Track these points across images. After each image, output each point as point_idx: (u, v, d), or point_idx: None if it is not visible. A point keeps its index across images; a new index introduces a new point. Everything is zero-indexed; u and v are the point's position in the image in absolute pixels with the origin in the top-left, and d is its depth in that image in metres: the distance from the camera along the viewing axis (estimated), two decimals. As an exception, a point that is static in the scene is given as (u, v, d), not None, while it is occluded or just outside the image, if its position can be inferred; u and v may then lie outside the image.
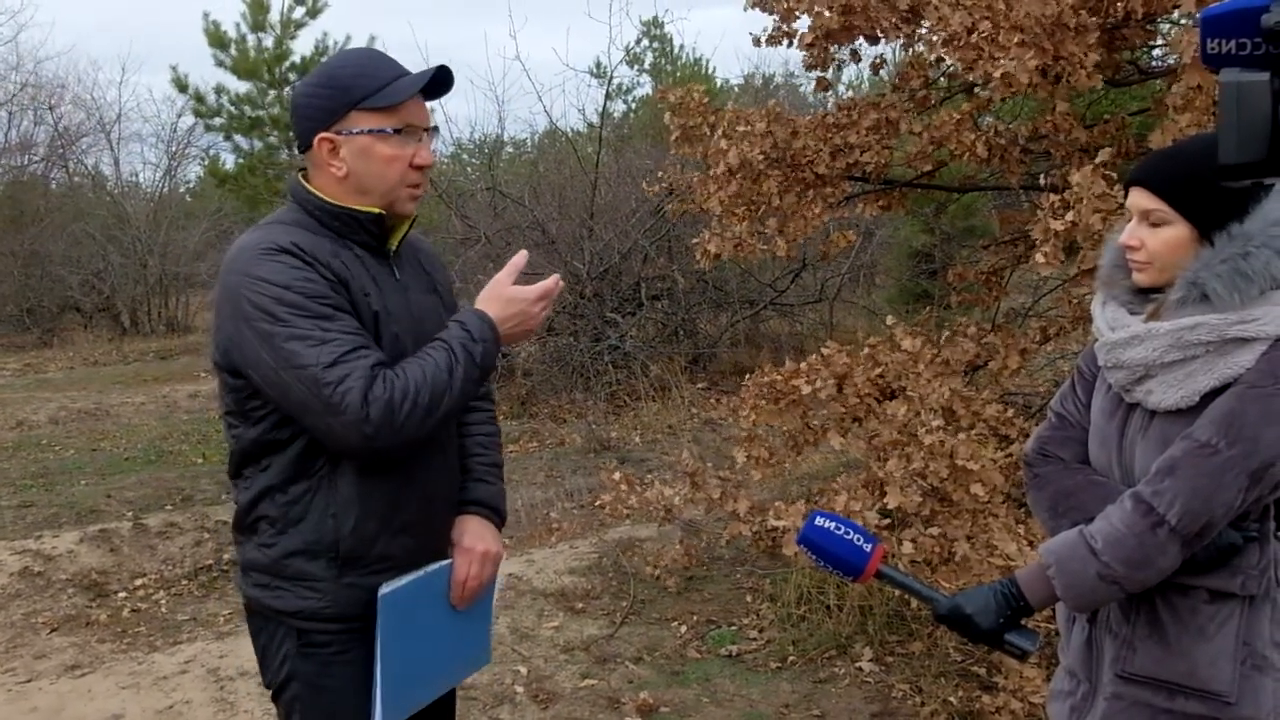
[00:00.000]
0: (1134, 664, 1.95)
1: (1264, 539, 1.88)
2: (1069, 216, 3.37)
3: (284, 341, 1.90)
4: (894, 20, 4.36)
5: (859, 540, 2.06)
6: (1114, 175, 3.38)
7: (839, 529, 2.07)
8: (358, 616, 2.07)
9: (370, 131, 2.03)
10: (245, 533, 2.14)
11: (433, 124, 2.16)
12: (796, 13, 4.64)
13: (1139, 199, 1.93)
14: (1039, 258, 3.53)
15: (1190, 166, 1.88)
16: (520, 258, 2.17)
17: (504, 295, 2.10)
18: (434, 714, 2.33)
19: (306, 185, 2.10)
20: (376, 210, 2.08)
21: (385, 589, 2.05)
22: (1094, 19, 3.52)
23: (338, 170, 2.05)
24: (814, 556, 2.10)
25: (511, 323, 2.10)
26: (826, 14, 4.45)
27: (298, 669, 2.11)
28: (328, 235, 2.06)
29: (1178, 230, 1.88)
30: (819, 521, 2.08)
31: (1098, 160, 3.42)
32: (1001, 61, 3.51)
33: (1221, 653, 1.87)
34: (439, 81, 2.09)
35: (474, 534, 2.25)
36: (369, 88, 2.02)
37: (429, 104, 2.16)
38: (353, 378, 1.88)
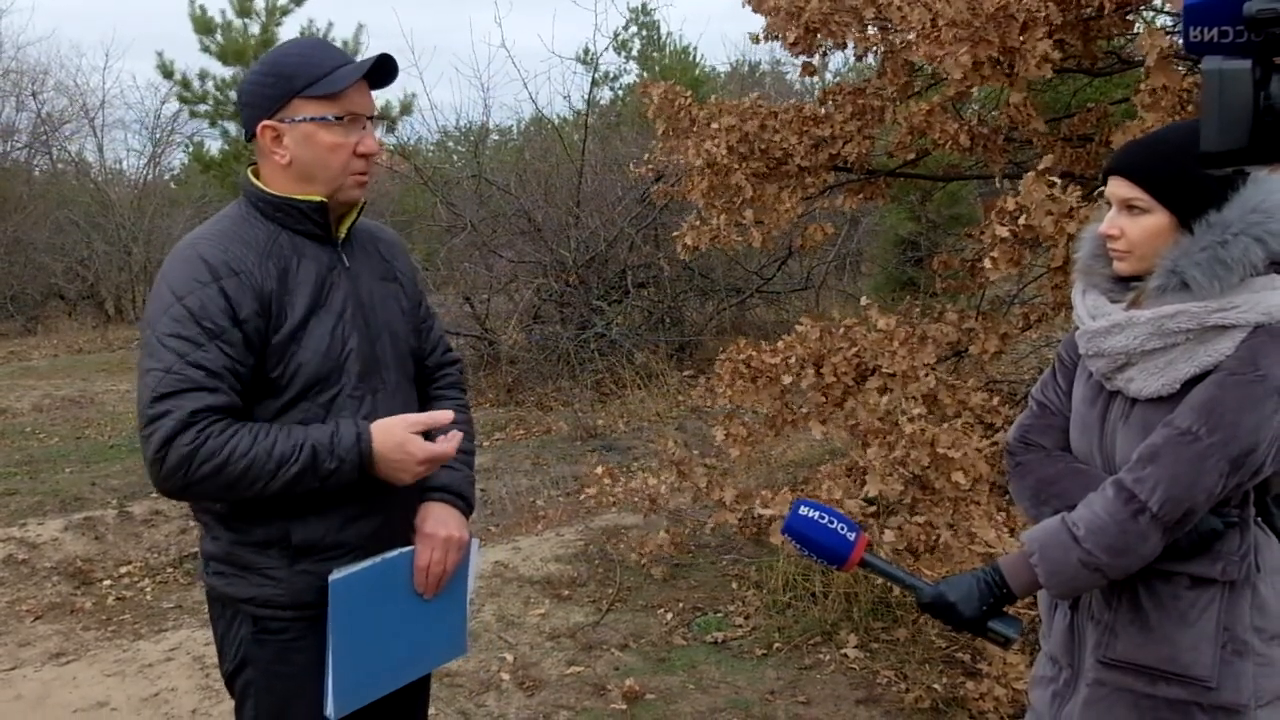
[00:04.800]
0: (1116, 649, 1.96)
1: (1244, 525, 1.89)
2: (1022, 220, 3.40)
3: (147, 352, 1.97)
4: (858, 31, 4.38)
5: (843, 529, 2.07)
6: (1056, 180, 3.40)
7: (823, 518, 2.07)
8: (312, 604, 2.08)
9: (312, 119, 2.05)
10: (200, 525, 2.18)
11: (377, 112, 2.17)
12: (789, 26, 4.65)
13: (1118, 188, 1.93)
14: (987, 263, 3.56)
15: (1169, 154, 1.88)
16: (445, 415, 2.13)
17: (398, 438, 2.04)
18: (405, 702, 2.32)
19: (252, 179, 2.13)
20: (318, 199, 2.09)
21: (336, 574, 2.06)
22: (1055, 9, 3.52)
23: (281, 158, 2.07)
24: (799, 545, 2.11)
25: (388, 464, 2.04)
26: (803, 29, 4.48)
27: (253, 655, 2.12)
28: (272, 226, 2.09)
29: (1157, 218, 1.89)
30: (803, 510, 2.09)
31: (1040, 167, 3.44)
32: (946, 56, 3.53)
33: (1202, 638, 1.89)
34: (383, 70, 2.11)
35: (436, 519, 2.23)
36: (311, 75, 2.04)
37: (389, 89, 2.18)
38: (168, 418, 1.91)
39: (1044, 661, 2.16)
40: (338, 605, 2.06)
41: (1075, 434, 2.08)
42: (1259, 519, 1.92)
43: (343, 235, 2.18)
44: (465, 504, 2.32)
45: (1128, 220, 1.92)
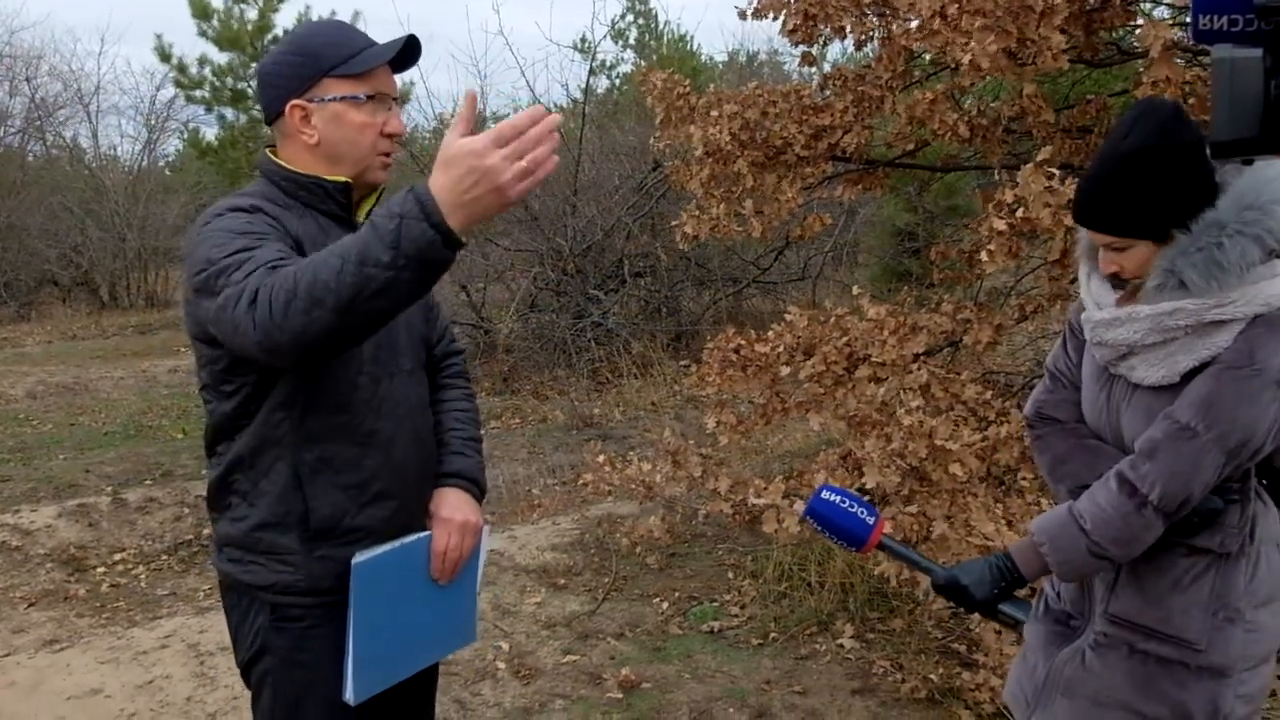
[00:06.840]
0: (1116, 607, 2.06)
1: (1245, 499, 1.97)
2: (1020, 213, 3.39)
3: (204, 289, 1.83)
4: (856, 17, 4.37)
5: (862, 513, 2.17)
6: (1054, 171, 3.39)
7: (844, 502, 2.18)
8: (330, 589, 2.07)
9: (342, 98, 2.03)
10: (219, 508, 2.14)
11: (399, 94, 2.15)
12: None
13: (1093, 235, 1.99)
14: (983, 256, 3.55)
15: (1119, 194, 1.89)
16: (467, 105, 1.69)
17: (444, 155, 1.64)
18: (414, 690, 2.33)
19: (273, 158, 2.11)
20: (343, 179, 2.07)
21: (358, 558, 2.05)
22: (1064, 1, 3.51)
23: (309, 138, 2.05)
24: (820, 527, 2.20)
25: (464, 185, 1.61)
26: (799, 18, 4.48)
27: (271, 643, 2.10)
28: (294, 205, 2.06)
29: (1144, 247, 1.93)
30: (825, 495, 2.19)
31: (1039, 159, 3.43)
32: (968, 46, 3.52)
33: (1194, 604, 1.97)
34: (407, 53, 2.10)
35: (452, 505, 2.24)
36: (340, 55, 2.03)
37: (399, 75, 2.15)
38: (254, 277, 1.74)
39: (1044, 603, 2.24)
40: (359, 589, 2.06)
41: (1086, 407, 2.15)
42: (1263, 483, 2.00)
43: (362, 218, 2.15)
44: (478, 489, 2.32)
45: (1119, 255, 1.96)
